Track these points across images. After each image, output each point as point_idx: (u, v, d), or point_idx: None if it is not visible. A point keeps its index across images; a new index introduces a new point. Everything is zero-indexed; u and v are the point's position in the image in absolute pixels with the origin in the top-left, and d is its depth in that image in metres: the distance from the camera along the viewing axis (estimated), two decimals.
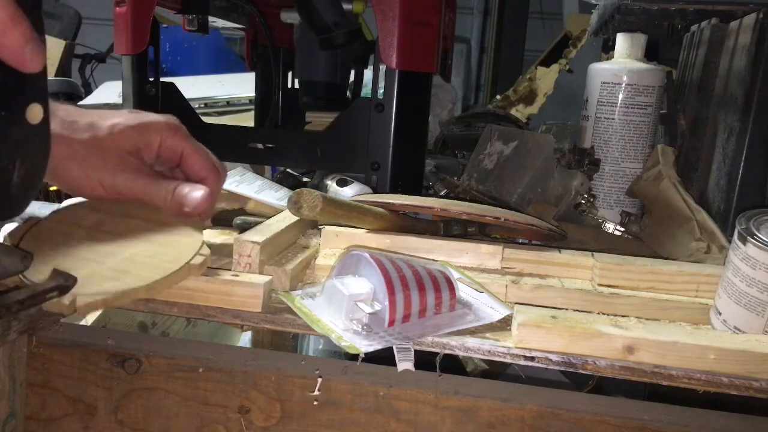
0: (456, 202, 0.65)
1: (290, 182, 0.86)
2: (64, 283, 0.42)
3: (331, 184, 0.76)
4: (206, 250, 0.50)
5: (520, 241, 0.68)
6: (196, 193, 0.51)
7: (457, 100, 1.48)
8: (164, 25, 1.03)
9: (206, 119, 0.87)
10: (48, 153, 0.40)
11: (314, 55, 0.93)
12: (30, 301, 0.41)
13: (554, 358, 0.45)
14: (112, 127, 0.51)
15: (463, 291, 0.52)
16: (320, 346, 1.29)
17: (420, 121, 0.81)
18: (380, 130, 0.75)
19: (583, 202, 0.79)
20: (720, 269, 0.51)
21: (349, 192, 0.74)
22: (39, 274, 0.44)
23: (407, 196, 0.65)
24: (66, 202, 0.59)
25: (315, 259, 0.58)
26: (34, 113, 0.37)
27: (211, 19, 0.97)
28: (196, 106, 1.89)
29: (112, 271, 0.46)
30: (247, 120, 1.52)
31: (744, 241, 0.46)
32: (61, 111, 0.50)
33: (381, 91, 0.75)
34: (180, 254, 0.49)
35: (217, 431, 0.57)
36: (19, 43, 0.36)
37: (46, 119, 0.38)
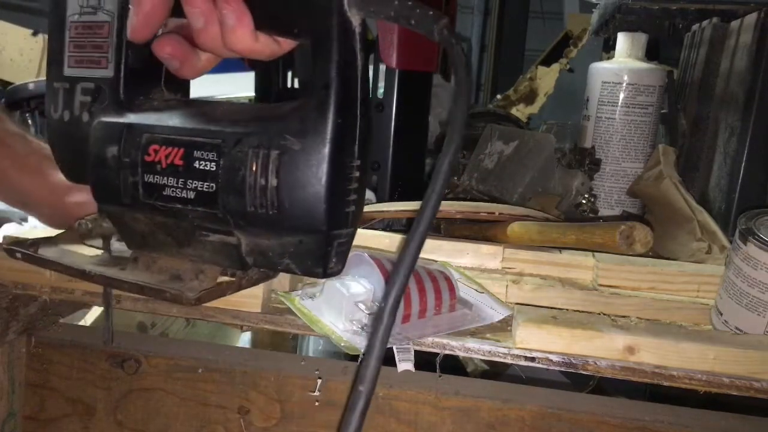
0: (450, 202, 0.65)
1: None
2: None
3: None
4: None
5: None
6: None
7: None
8: None
9: None
10: None
11: None
12: None
13: (555, 358, 0.45)
14: None
15: (464, 291, 0.52)
16: (320, 347, 1.30)
17: (420, 121, 0.80)
18: (380, 130, 0.75)
19: (583, 201, 0.79)
20: (721, 269, 0.51)
21: None
22: None
23: (399, 203, 0.64)
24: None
25: None
26: None
27: None
28: None
29: None
30: None
31: (745, 241, 0.46)
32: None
33: (381, 90, 0.75)
34: None
35: None
36: None
37: None
